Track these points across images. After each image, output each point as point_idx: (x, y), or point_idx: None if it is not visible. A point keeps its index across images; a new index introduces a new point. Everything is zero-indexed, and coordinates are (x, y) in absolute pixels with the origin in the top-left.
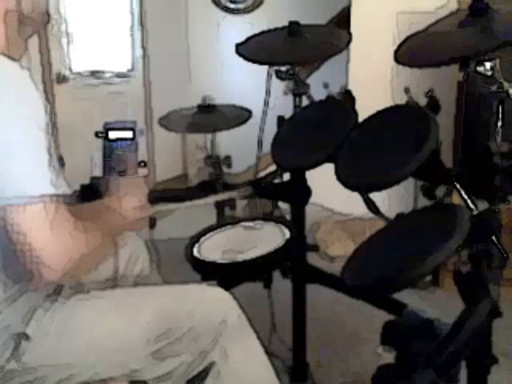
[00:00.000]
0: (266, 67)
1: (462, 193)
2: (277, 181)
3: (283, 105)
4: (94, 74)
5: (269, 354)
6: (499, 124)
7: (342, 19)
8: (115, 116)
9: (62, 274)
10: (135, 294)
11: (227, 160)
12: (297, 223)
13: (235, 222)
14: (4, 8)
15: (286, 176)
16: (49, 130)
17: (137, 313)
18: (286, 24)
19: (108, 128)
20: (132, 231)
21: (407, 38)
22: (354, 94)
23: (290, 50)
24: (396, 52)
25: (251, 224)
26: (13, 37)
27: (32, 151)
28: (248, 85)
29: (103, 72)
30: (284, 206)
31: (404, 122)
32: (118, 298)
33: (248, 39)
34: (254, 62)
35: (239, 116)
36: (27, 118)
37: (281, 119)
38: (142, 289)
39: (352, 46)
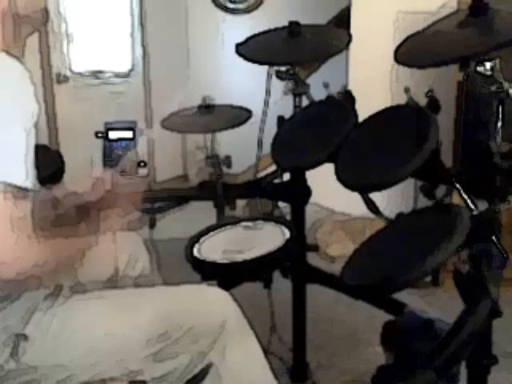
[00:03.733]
0: (266, 67)
1: (462, 193)
2: (277, 181)
3: (283, 105)
4: (94, 73)
5: (269, 354)
6: (499, 124)
7: (342, 19)
8: (115, 116)
9: (17, 274)
10: (134, 294)
11: (227, 160)
12: (297, 223)
13: (235, 221)
14: None
15: (286, 176)
16: (34, 133)
17: (136, 313)
18: (286, 24)
19: (108, 128)
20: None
21: (407, 38)
22: (354, 94)
23: (290, 50)
24: (396, 52)
25: (251, 224)
26: (8, 35)
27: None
28: (248, 85)
29: (103, 72)
30: (284, 206)
31: (404, 121)
32: (118, 298)
33: (248, 39)
34: (254, 62)
35: (239, 116)
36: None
37: (281, 119)
38: (141, 289)
39: (352, 46)
